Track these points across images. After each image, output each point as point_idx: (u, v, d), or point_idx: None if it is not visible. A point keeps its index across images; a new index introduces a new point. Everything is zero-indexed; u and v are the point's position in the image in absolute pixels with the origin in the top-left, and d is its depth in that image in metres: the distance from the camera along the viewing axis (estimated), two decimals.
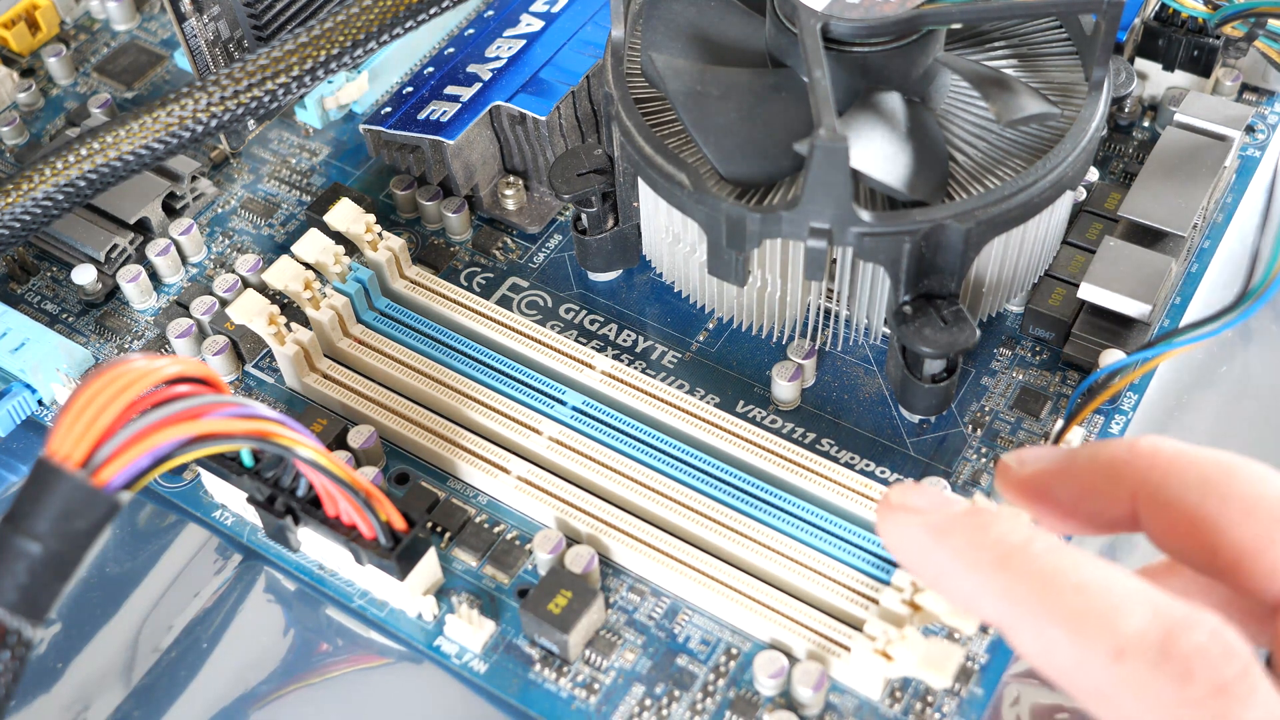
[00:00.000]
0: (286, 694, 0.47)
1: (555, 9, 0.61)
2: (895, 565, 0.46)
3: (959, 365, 0.49)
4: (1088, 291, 0.51)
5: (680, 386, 0.53)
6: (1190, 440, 0.51)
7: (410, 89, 0.59)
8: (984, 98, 0.49)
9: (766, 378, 0.53)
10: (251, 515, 0.49)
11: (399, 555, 0.44)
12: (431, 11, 0.54)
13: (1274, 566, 0.34)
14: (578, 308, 0.56)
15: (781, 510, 0.48)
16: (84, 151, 0.50)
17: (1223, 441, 0.52)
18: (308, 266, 0.53)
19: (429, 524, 0.49)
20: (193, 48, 0.59)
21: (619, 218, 0.54)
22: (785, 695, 0.45)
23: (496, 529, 0.49)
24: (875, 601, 0.45)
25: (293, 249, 0.54)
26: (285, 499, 0.45)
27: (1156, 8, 0.59)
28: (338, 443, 0.51)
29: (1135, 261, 0.51)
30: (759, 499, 0.48)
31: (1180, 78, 0.60)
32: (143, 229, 0.59)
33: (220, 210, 0.61)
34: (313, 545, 0.48)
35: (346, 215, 0.55)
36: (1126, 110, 0.60)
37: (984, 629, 0.46)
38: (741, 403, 0.53)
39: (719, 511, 0.48)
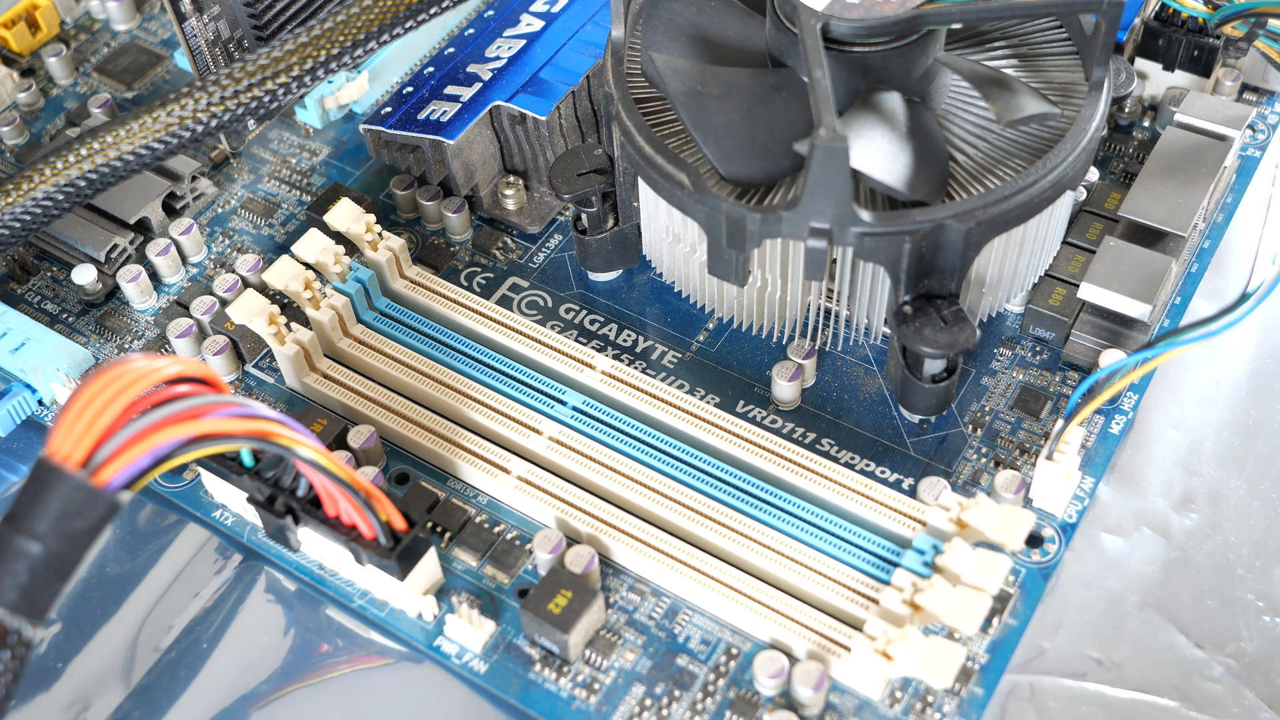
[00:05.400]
0: (287, 694, 0.47)
1: (555, 9, 0.61)
2: (895, 565, 0.46)
3: (959, 365, 0.49)
4: (1088, 291, 0.51)
5: (680, 386, 0.53)
6: (1188, 440, 0.52)
7: (410, 89, 0.59)
8: (984, 98, 0.49)
9: (766, 378, 0.53)
10: (251, 515, 0.49)
11: (399, 555, 0.44)
12: (431, 11, 0.54)
13: None
14: (578, 308, 0.56)
15: (781, 510, 0.48)
16: (84, 151, 0.50)
17: (1222, 440, 0.52)
18: (308, 266, 0.53)
19: (429, 524, 0.49)
20: (193, 48, 0.59)
21: (619, 218, 0.54)
22: (785, 695, 0.45)
23: (496, 529, 0.49)
24: (875, 601, 0.45)
25: (293, 249, 0.54)
26: (285, 499, 0.45)
27: (1156, 8, 0.59)
28: (338, 443, 0.51)
29: (1135, 261, 0.51)
30: (759, 499, 0.48)
31: (1180, 78, 0.60)
32: (143, 229, 0.59)
33: (220, 210, 0.61)
34: (313, 545, 0.48)
35: (346, 215, 0.55)
36: (1126, 110, 0.60)
37: (984, 629, 0.46)
38: (741, 403, 0.53)
39: (719, 511, 0.48)
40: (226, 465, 0.46)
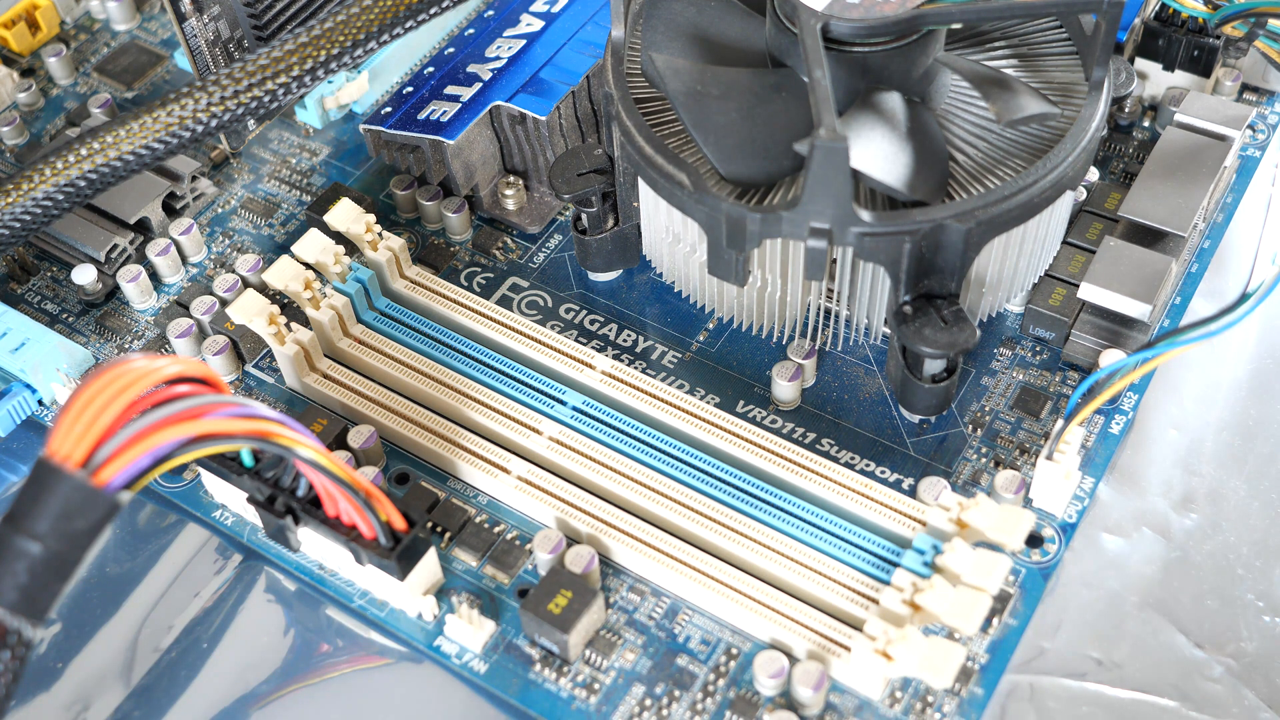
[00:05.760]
0: (286, 694, 0.47)
1: (555, 9, 0.61)
2: (895, 565, 0.46)
3: (959, 365, 0.49)
4: (1088, 291, 0.51)
5: (680, 386, 0.53)
6: (1188, 440, 0.52)
7: (410, 89, 0.59)
8: (984, 98, 0.49)
9: (766, 378, 0.53)
10: (251, 515, 0.49)
11: (399, 555, 0.44)
12: (431, 11, 0.54)
13: None
14: (578, 308, 0.56)
15: (781, 510, 0.48)
16: (84, 151, 0.50)
17: (1222, 440, 0.52)
18: (308, 266, 0.53)
19: (429, 524, 0.49)
20: (193, 48, 0.59)
21: (619, 218, 0.54)
22: (785, 695, 0.45)
23: (496, 529, 0.49)
24: (875, 601, 0.45)
25: (293, 249, 0.54)
26: (285, 499, 0.45)
27: (1156, 8, 0.59)
28: (338, 443, 0.51)
29: (1135, 261, 0.51)
30: (759, 499, 0.48)
31: (1180, 78, 0.60)
32: (143, 229, 0.59)
33: (220, 210, 0.61)
34: (313, 545, 0.48)
35: (346, 215, 0.55)
36: (1126, 110, 0.60)
37: (984, 629, 0.46)
38: (741, 403, 0.53)
39: (719, 511, 0.48)
40: (226, 465, 0.46)
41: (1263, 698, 0.45)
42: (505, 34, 0.60)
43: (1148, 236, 0.53)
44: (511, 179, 0.59)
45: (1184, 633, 0.47)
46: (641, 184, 0.51)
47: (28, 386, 0.54)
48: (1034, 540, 0.48)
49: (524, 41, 0.60)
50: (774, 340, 0.54)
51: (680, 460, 0.50)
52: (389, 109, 0.58)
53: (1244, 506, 0.50)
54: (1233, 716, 0.45)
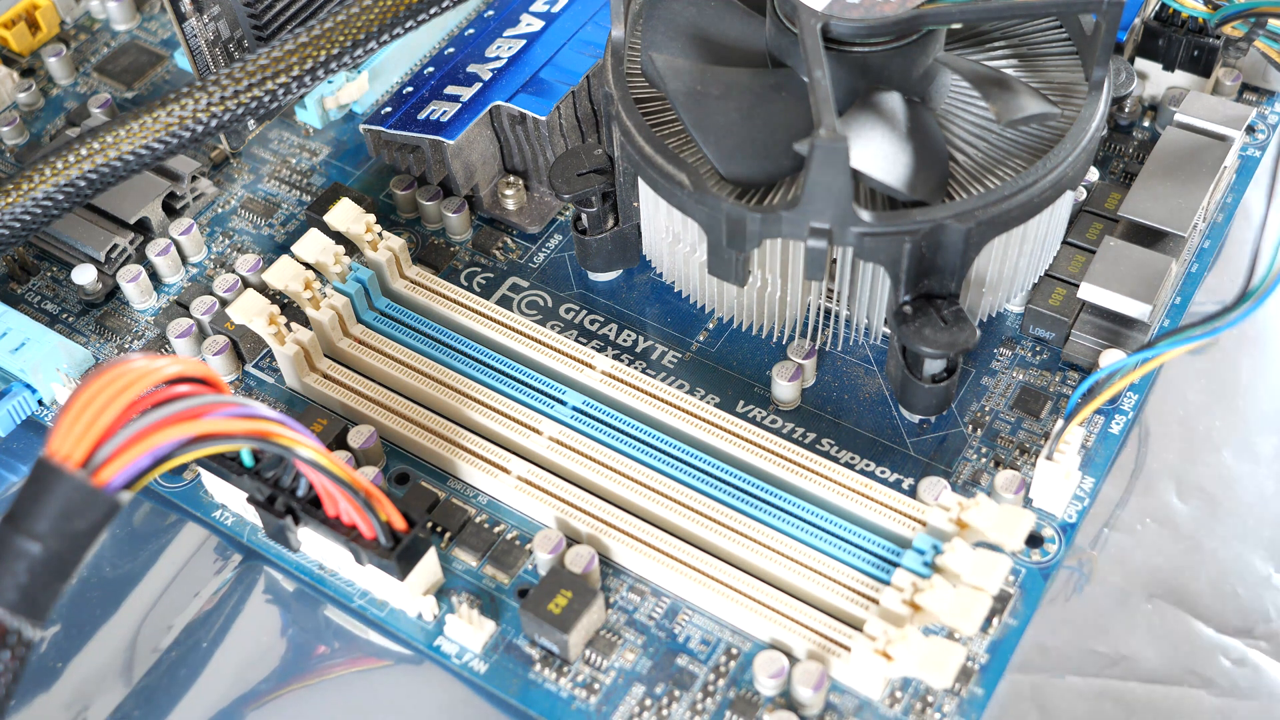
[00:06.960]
0: (286, 694, 0.47)
1: (555, 9, 0.61)
2: (895, 565, 0.46)
3: (959, 365, 0.49)
4: (1088, 291, 0.51)
5: (680, 386, 0.53)
6: (1189, 439, 0.52)
7: (410, 89, 0.59)
8: (984, 98, 0.49)
9: (766, 378, 0.53)
10: (251, 515, 0.49)
11: (399, 555, 0.44)
12: (431, 11, 0.54)
13: None
14: (578, 308, 0.56)
15: (781, 510, 0.48)
16: (84, 151, 0.50)
17: (1223, 440, 0.52)
18: (308, 266, 0.53)
19: (429, 524, 0.49)
20: (193, 48, 0.59)
21: (619, 218, 0.54)
22: (785, 695, 0.45)
23: (496, 529, 0.49)
24: (875, 601, 0.45)
25: (293, 249, 0.54)
26: (285, 499, 0.45)
27: (1156, 8, 0.59)
28: (338, 443, 0.51)
29: (1135, 261, 0.51)
30: (759, 499, 0.48)
31: (1180, 78, 0.60)
32: (143, 229, 0.59)
33: (220, 210, 0.61)
34: (313, 545, 0.48)
35: (346, 215, 0.55)
36: (1126, 110, 0.60)
37: (984, 629, 0.46)
38: (741, 403, 0.53)
39: (719, 511, 0.48)
40: (226, 465, 0.46)
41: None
42: (505, 34, 0.60)
43: (1148, 236, 0.53)
44: (511, 179, 0.59)
45: (1186, 626, 0.47)
46: (641, 184, 0.51)
47: (28, 386, 0.54)
48: (1034, 540, 0.48)
49: (524, 41, 0.60)
50: (774, 340, 0.54)
51: (680, 460, 0.50)
52: (389, 109, 0.58)
53: (1245, 505, 0.50)
54: (1251, 700, 0.45)
